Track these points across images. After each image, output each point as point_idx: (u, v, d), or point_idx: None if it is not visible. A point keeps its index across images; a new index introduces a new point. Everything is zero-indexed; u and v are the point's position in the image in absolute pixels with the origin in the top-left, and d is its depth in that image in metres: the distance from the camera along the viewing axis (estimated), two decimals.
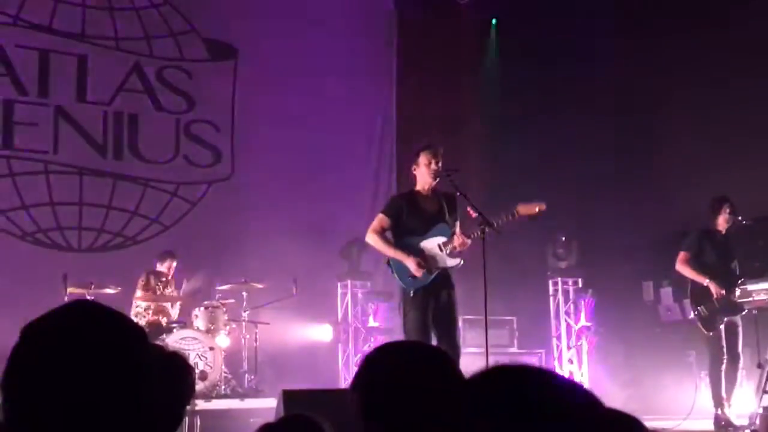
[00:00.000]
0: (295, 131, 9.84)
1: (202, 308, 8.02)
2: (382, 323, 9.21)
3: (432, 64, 10.21)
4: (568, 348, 9.69)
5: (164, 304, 8.21)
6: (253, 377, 8.07)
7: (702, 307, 7.00)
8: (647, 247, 9.00)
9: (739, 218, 7.13)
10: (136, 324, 1.43)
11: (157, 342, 6.85)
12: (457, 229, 5.70)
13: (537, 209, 5.71)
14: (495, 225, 5.53)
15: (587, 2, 9.81)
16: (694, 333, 7.31)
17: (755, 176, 7.97)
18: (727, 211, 7.13)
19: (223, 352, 7.77)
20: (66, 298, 7.21)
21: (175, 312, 8.33)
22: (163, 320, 8.09)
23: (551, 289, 9.87)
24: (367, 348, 8.76)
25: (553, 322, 9.80)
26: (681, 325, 8.25)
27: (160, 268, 8.36)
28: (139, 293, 8.13)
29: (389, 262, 5.82)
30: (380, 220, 5.89)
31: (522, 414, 1.13)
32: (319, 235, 9.31)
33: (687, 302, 7.31)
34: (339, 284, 9.67)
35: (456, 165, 6.00)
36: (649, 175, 9.43)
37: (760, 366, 6.60)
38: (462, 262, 5.75)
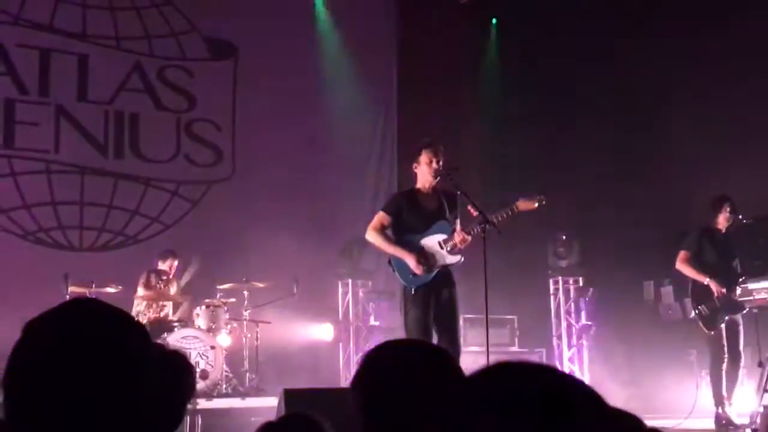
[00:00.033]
0: (296, 130, 9.84)
1: (203, 307, 8.03)
2: (383, 322, 9.21)
3: (433, 64, 10.21)
4: (569, 347, 9.69)
5: (165, 302, 8.21)
6: (254, 376, 8.08)
7: (703, 306, 7.01)
8: (648, 246, 9.00)
9: (740, 217, 7.13)
10: (138, 321, 1.43)
11: (158, 341, 6.85)
12: (458, 227, 5.71)
13: (536, 203, 5.71)
14: (496, 222, 5.54)
15: (587, 2, 9.81)
16: (694, 332, 7.31)
17: (756, 175, 7.97)
18: (728, 209, 7.13)
19: (224, 351, 7.78)
20: (67, 298, 7.21)
21: (177, 311, 8.32)
22: (164, 318, 8.09)
23: (552, 288, 9.88)
24: (368, 347, 8.76)
25: (553, 321, 9.80)
26: (682, 324, 8.24)
27: (161, 267, 8.36)
28: (140, 292, 8.14)
29: (390, 260, 5.82)
30: (380, 217, 5.89)
31: (523, 412, 1.13)
32: (320, 234, 9.31)
33: (688, 301, 7.31)
34: (340, 283, 9.67)
35: (456, 164, 5.99)
36: (650, 175, 9.43)
37: (760, 365, 6.59)
38: (462, 259, 5.75)
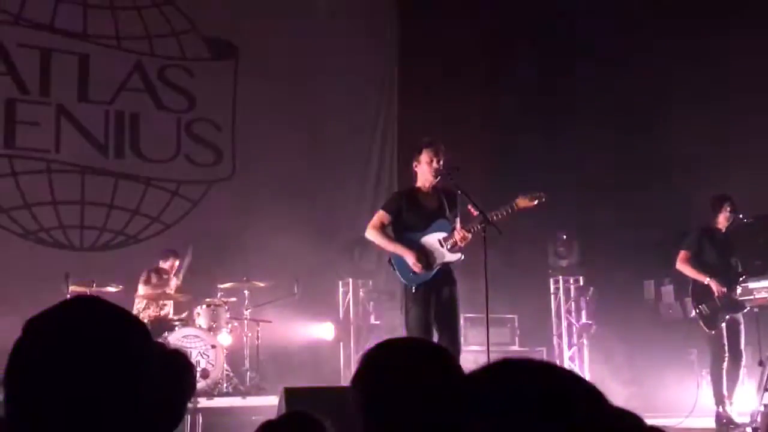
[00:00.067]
0: (296, 130, 9.85)
1: (204, 306, 8.03)
2: (384, 321, 9.21)
3: (433, 63, 10.20)
4: (569, 346, 9.69)
5: (166, 301, 8.21)
6: (254, 375, 8.08)
7: (703, 305, 7.01)
8: (648, 246, 9.00)
9: (740, 216, 7.13)
10: (139, 320, 1.43)
11: (159, 340, 6.86)
12: (458, 225, 5.71)
13: (536, 201, 5.71)
14: (495, 221, 5.54)
15: (588, 2, 9.80)
16: (695, 331, 7.31)
17: (756, 174, 7.97)
18: (728, 209, 7.13)
19: (225, 350, 7.78)
20: (68, 297, 7.21)
21: (177, 309, 8.32)
22: (165, 317, 8.09)
23: (552, 287, 9.88)
24: (369, 346, 8.75)
25: (554, 320, 9.80)
26: (682, 324, 8.24)
27: (163, 266, 8.35)
28: (140, 290, 8.14)
29: (390, 259, 5.83)
30: (380, 216, 5.90)
31: (523, 410, 1.13)
32: (321, 233, 9.31)
33: (688, 300, 7.31)
34: (340, 282, 9.67)
35: (456, 163, 5.99)
36: (650, 174, 9.43)
37: (761, 364, 6.59)
38: (462, 257, 5.76)
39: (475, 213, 5.61)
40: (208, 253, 8.76)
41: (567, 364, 9.47)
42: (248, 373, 8.07)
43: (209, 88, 9.84)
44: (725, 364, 6.96)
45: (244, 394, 7.72)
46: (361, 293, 9.59)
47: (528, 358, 1.22)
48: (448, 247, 5.70)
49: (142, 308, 8.08)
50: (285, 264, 8.46)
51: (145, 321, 7.80)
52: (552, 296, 9.87)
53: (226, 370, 7.79)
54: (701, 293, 7.05)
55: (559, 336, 9.76)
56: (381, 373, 1.82)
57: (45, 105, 9.10)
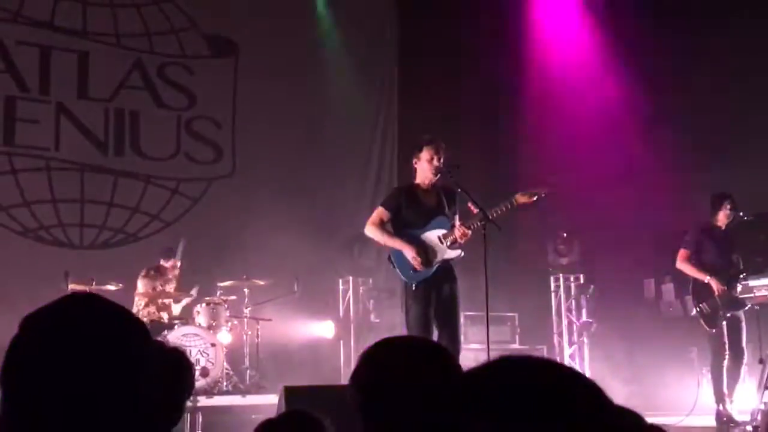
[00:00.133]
0: (296, 128, 9.84)
1: (203, 305, 8.02)
2: (384, 319, 9.21)
3: (433, 63, 10.20)
4: (570, 344, 9.69)
5: (166, 300, 8.20)
6: (254, 373, 8.08)
7: (704, 304, 7.00)
8: (648, 244, 8.99)
9: (741, 214, 7.13)
10: (137, 317, 1.42)
11: (159, 338, 6.86)
12: (457, 222, 5.71)
13: (536, 197, 5.71)
14: (495, 217, 5.54)
15: (589, 2, 9.80)
16: (695, 329, 7.30)
17: (756, 172, 7.96)
18: (728, 207, 7.12)
19: (224, 349, 7.77)
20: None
21: (177, 308, 8.32)
22: (165, 316, 8.09)
23: (553, 285, 9.88)
24: (369, 344, 8.75)
25: (554, 318, 9.80)
26: (682, 322, 8.24)
27: (164, 264, 8.33)
28: (140, 288, 8.12)
29: (390, 257, 5.82)
30: (379, 213, 5.89)
31: (523, 409, 1.12)
32: (321, 231, 9.30)
33: (688, 298, 7.31)
34: (340, 280, 9.67)
35: (456, 161, 5.99)
36: (650, 172, 9.41)
37: (761, 362, 6.59)
38: (462, 253, 5.75)
39: (475, 210, 5.61)
40: (208, 251, 8.76)
41: (567, 362, 9.47)
42: (248, 371, 8.06)
43: (209, 85, 9.83)
44: (726, 362, 6.96)
45: (243, 392, 7.72)
46: (361, 291, 9.59)
47: (528, 355, 1.21)
48: (448, 243, 5.70)
49: (141, 306, 8.07)
50: (285, 262, 8.46)
51: (145, 319, 7.80)
52: (552, 294, 9.87)
53: (226, 369, 7.79)
54: (702, 292, 7.05)
55: (560, 334, 9.76)
56: (380, 372, 1.81)
57: (44, 103, 9.09)
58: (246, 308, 8.27)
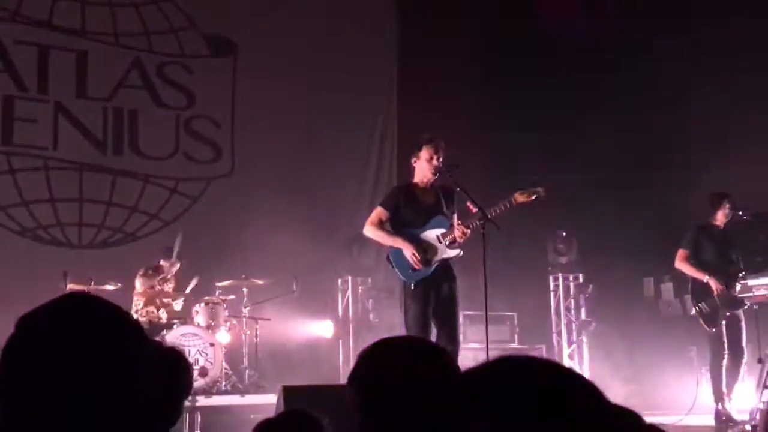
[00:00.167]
0: (296, 127, 9.83)
1: (202, 304, 8.01)
2: (383, 319, 9.20)
3: (433, 63, 10.19)
4: (569, 344, 9.69)
5: (164, 299, 8.19)
6: (253, 373, 8.07)
7: (703, 303, 7.00)
8: (648, 243, 8.99)
9: (740, 213, 7.13)
10: (132, 316, 1.42)
11: (157, 338, 6.86)
12: (455, 221, 5.71)
13: (534, 196, 5.71)
14: (494, 217, 5.54)
15: (588, 2, 9.80)
16: (695, 328, 7.31)
17: (755, 171, 7.96)
18: (727, 206, 7.13)
19: (223, 348, 7.77)
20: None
21: (177, 306, 8.30)
22: (164, 316, 8.08)
23: (552, 284, 9.88)
24: (368, 344, 8.74)
25: (553, 317, 9.80)
26: (682, 321, 8.24)
27: (163, 264, 8.31)
28: (138, 288, 8.11)
29: (389, 257, 5.82)
30: (378, 213, 5.89)
31: (521, 409, 1.11)
32: (320, 230, 9.29)
33: (688, 298, 7.31)
34: (339, 280, 9.67)
35: (456, 161, 5.99)
36: (650, 171, 9.42)
37: (760, 361, 6.59)
38: (461, 253, 5.75)
39: (474, 210, 5.61)
40: (207, 251, 8.75)
41: (566, 362, 9.47)
42: (247, 371, 8.06)
43: (208, 85, 9.82)
44: (725, 362, 6.96)
45: (242, 392, 7.72)
46: (360, 290, 9.58)
47: (526, 355, 1.21)
48: (447, 243, 5.70)
49: (140, 306, 8.06)
50: (284, 261, 8.46)
51: (143, 319, 7.80)
52: (551, 293, 9.87)
53: (225, 369, 7.78)
54: (701, 291, 7.05)
55: (559, 333, 9.76)
56: (379, 372, 1.81)
57: (43, 102, 9.08)
58: (245, 308, 8.26)
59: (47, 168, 8.99)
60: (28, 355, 1.29)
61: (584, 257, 9.64)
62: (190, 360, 6.11)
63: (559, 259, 9.73)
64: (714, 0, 8.98)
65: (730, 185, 7.38)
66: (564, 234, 9.66)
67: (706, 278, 6.98)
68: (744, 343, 7.05)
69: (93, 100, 9.31)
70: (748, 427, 6.40)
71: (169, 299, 8.22)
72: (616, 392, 7.55)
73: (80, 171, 9.13)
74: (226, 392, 7.63)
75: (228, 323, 8.10)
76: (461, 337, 6.06)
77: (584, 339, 9.67)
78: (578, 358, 9.62)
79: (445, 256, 5.73)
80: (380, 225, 5.84)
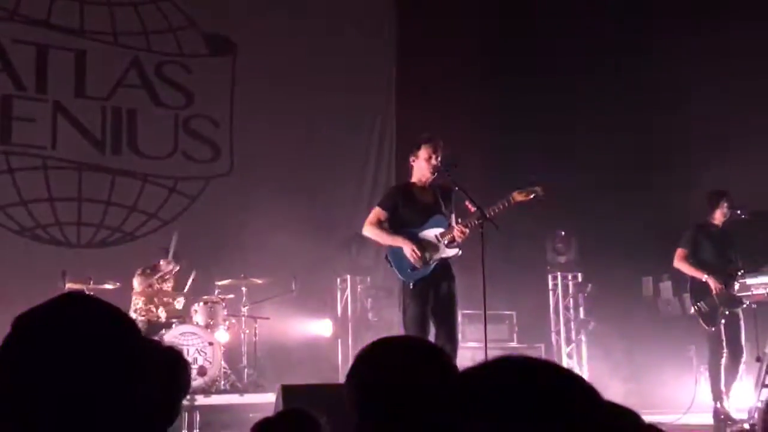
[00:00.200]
0: (294, 127, 9.83)
1: (201, 303, 8.01)
2: (382, 318, 9.20)
3: (432, 63, 10.18)
4: (568, 343, 9.69)
5: (163, 298, 8.18)
6: (252, 372, 8.07)
7: (702, 302, 7.01)
8: (647, 242, 8.99)
9: (738, 212, 7.13)
10: (128, 316, 1.42)
11: (156, 337, 6.85)
12: (453, 221, 5.71)
13: (532, 195, 5.72)
14: (492, 216, 5.54)
15: (588, 2, 9.79)
16: (693, 327, 7.31)
17: (755, 171, 7.96)
18: (725, 205, 7.14)
19: (222, 348, 7.76)
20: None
21: (178, 305, 8.29)
22: (163, 315, 8.07)
23: (551, 283, 9.88)
24: (367, 343, 8.73)
25: (552, 316, 9.80)
26: (680, 320, 8.24)
27: (163, 263, 8.29)
28: (136, 287, 8.10)
29: (387, 256, 5.82)
30: (377, 213, 5.90)
31: (520, 410, 1.11)
32: (319, 230, 9.29)
33: (686, 297, 7.31)
34: (338, 279, 9.67)
35: (455, 160, 5.99)
36: (649, 170, 9.42)
37: (759, 360, 6.60)
38: (460, 252, 5.75)
39: (473, 209, 5.61)
40: (206, 250, 8.75)
41: (565, 361, 9.48)
42: (246, 370, 8.06)
43: (207, 84, 9.81)
44: (724, 360, 6.97)
45: (241, 391, 7.71)
46: (359, 290, 9.58)
47: (525, 355, 1.21)
48: (445, 242, 5.71)
49: (139, 305, 8.05)
50: (283, 260, 8.45)
51: (142, 318, 7.80)
52: (550, 292, 9.87)
53: (224, 368, 7.78)
54: (699, 290, 7.05)
55: (558, 332, 9.76)
56: (377, 371, 1.81)
57: (41, 101, 9.07)
58: (244, 307, 8.26)
59: (46, 167, 8.98)
60: (25, 354, 1.28)
61: (583, 256, 9.64)
62: (189, 359, 6.12)
63: (558, 258, 9.74)
64: (714, 0, 8.98)
65: (730, 185, 7.39)
66: (563, 233, 9.66)
67: (704, 277, 6.99)
68: (743, 342, 7.05)
69: (92, 99, 9.30)
70: (746, 425, 6.40)
71: (169, 298, 8.22)
72: (615, 391, 7.57)
73: (79, 170, 9.13)
74: (224, 391, 7.63)
75: (227, 322, 8.10)
76: (460, 336, 6.07)
77: (583, 338, 9.67)
78: (577, 357, 9.62)
79: (443, 255, 5.73)
80: (379, 225, 5.85)
